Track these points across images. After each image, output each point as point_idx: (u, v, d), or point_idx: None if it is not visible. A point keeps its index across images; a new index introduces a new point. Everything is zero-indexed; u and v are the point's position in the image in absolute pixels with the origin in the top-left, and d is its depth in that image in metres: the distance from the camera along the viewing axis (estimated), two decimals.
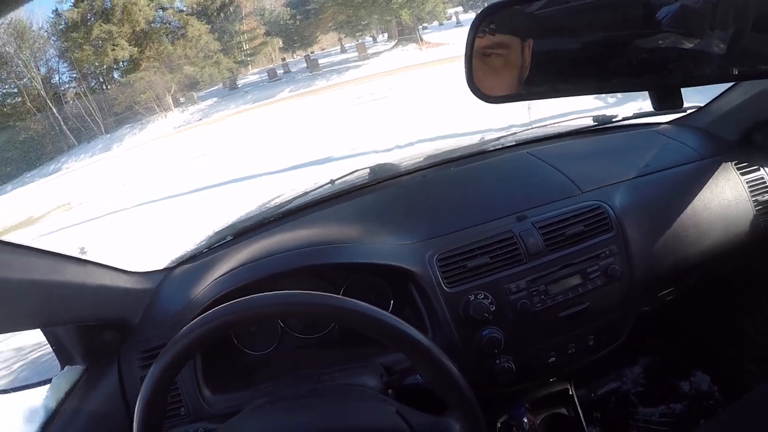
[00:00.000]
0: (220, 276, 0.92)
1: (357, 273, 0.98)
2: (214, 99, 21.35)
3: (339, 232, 0.96)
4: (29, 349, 1.01)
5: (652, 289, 1.03)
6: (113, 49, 21.76)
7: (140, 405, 0.59)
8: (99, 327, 0.89)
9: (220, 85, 23.64)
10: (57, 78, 23.74)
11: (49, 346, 0.91)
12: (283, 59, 25.59)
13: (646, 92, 0.57)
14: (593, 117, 1.27)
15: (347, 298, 0.59)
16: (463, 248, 0.89)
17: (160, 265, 1.08)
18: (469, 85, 0.60)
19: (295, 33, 25.29)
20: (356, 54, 20.27)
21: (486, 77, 0.61)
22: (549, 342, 0.90)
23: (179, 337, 0.58)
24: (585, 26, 0.58)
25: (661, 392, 1.34)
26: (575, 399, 1.15)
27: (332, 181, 1.30)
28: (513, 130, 1.38)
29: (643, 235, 0.94)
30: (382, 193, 1.14)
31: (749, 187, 1.02)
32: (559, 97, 0.62)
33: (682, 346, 1.42)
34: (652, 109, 0.58)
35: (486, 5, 0.63)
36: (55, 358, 0.92)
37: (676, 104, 0.56)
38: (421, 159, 1.36)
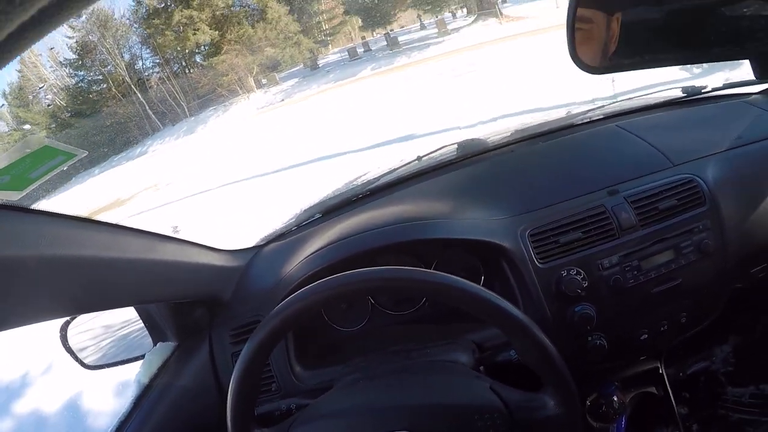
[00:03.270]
0: (311, 254, 0.92)
1: (447, 249, 0.99)
2: (296, 79, 21.28)
3: (429, 208, 0.96)
4: (118, 326, 1.02)
5: (745, 266, 0.97)
6: (194, 34, 22.26)
7: (235, 380, 0.60)
8: (190, 304, 0.92)
9: (301, 66, 23.70)
10: (140, 64, 24.52)
11: (137, 323, 0.94)
12: (363, 38, 25.01)
13: (733, 62, 0.51)
14: (682, 88, 1.21)
15: (442, 273, 0.58)
16: (555, 223, 0.87)
17: (250, 243, 1.08)
18: (571, 56, 0.67)
19: (374, 11, 24.87)
20: (436, 30, 19.55)
21: (584, 48, 0.66)
22: (641, 319, 0.89)
23: (275, 314, 0.59)
24: None
25: (751, 373, 1.27)
26: (665, 378, 1.12)
27: (419, 158, 1.30)
28: (598, 103, 1.36)
29: (736, 209, 0.91)
30: (471, 168, 1.11)
31: None
32: (658, 66, 0.72)
33: None
34: (746, 79, 0.57)
35: None
36: (144, 335, 0.94)
37: None
38: (508, 134, 1.31)
